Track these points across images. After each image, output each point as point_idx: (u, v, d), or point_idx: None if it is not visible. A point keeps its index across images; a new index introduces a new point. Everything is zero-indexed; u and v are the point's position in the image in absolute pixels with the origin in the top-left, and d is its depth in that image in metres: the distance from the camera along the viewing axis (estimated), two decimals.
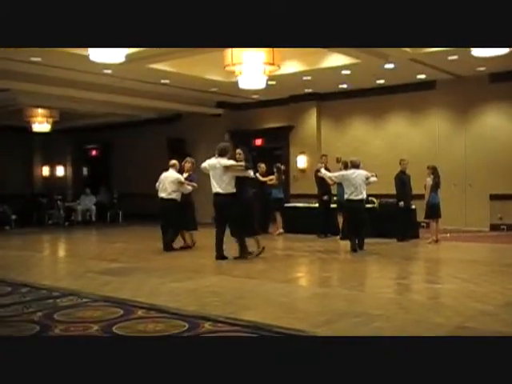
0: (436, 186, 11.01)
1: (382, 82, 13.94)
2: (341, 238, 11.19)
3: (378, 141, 14.96)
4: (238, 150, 9.27)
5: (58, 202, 17.70)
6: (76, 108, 15.92)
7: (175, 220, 10.28)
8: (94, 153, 21.81)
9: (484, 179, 13.28)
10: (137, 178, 19.43)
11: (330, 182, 11.38)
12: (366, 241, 10.42)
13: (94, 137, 20.99)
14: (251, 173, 9.27)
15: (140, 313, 5.17)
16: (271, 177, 12.91)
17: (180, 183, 10.38)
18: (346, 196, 10.10)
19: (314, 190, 12.53)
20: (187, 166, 10.82)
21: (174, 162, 10.74)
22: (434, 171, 11.04)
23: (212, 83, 13.89)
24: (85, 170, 21.99)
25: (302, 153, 15.95)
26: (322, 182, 11.83)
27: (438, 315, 5.04)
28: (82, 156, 21.73)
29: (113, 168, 20.92)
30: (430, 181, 10.98)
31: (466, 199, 13.57)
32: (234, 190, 8.88)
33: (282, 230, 12.79)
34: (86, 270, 7.95)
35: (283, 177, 13.50)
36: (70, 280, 7.19)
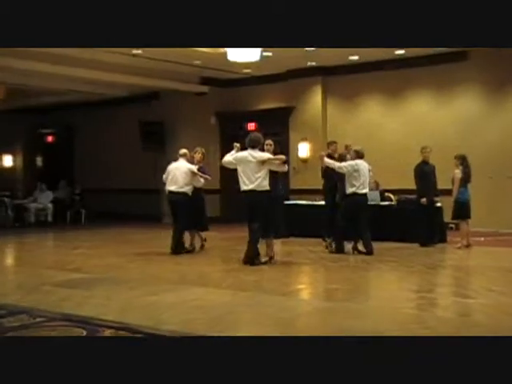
0: (466, 179, 11.02)
1: (401, 52, 13.93)
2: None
3: (396, 124, 14.98)
4: (269, 141, 9.65)
5: (6, 200, 17.61)
6: (26, 83, 15.80)
7: (186, 217, 10.55)
8: (50, 139, 21.75)
9: None
10: (104, 170, 19.41)
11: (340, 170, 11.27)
12: (383, 246, 10.45)
13: (50, 119, 20.93)
14: (286, 168, 9.84)
15: (108, 333, 5.15)
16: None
17: (193, 174, 10.67)
18: (351, 189, 10.35)
19: (319, 185, 12.52)
20: (198, 156, 11.10)
21: (184, 150, 11.06)
22: (463, 161, 11.07)
23: (195, 54, 13.82)
24: (39, 160, 21.93)
25: (304, 139, 15.95)
26: (330, 175, 11.82)
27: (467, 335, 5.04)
28: (35, 143, 21.65)
29: (74, 158, 20.89)
30: (458, 173, 11.00)
31: (504, 195, 13.59)
32: (269, 187, 9.20)
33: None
34: (40, 281, 7.91)
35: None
36: (20, 294, 7.14)
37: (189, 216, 10.56)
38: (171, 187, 10.68)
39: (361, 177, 10.34)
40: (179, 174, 10.66)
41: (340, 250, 10.52)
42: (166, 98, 17.57)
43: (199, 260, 10.13)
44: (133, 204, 18.72)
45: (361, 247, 10.45)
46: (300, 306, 6.63)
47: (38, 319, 5.77)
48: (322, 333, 5.21)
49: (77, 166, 20.70)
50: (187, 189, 10.67)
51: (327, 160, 10.78)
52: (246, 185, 9.15)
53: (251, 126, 17.16)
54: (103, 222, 17.48)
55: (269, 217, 9.30)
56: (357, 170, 10.32)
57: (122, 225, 16.72)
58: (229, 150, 15.76)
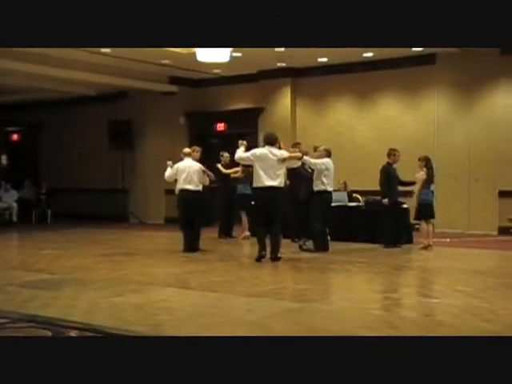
0: (429, 180, 11.13)
1: (369, 54, 14.05)
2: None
3: (365, 126, 15.09)
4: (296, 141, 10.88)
5: None
6: None
7: (202, 215, 10.93)
8: (16, 137, 21.47)
9: (492, 173, 13.50)
10: (70, 170, 19.22)
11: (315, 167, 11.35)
12: (351, 247, 10.55)
13: (16, 117, 20.61)
14: (300, 163, 10.69)
15: (73, 334, 5.10)
16: (236, 168, 12.88)
17: (203, 173, 10.94)
18: (322, 187, 10.58)
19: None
20: (197, 155, 11.21)
21: (189, 150, 11.27)
22: (426, 163, 11.18)
23: (164, 54, 13.75)
24: (4, 159, 21.58)
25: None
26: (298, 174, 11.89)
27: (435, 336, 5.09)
28: (0, 141, 21.32)
29: (40, 157, 20.62)
30: (422, 174, 11.09)
31: (469, 197, 13.78)
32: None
33: (248, 233, 12.79)
34: (4, 282, 7.80)
35: (250, 169, 13.47)
36: None
37: (203, 214, 11.04)
38: (187, 186, 10.74)
39: (330, 175, 10.65)
40: (193, 172, 10.81)
41: (325, 247, 10.60)
42: (135, 97, 17.49)
43: (167, 261, 10.08)
44: (100, 204, 18.58)
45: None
46: (269, 307, 6.63)
47: (2, 320, 5.68)
48: (291, 333, 5.22)
49: (43, 165, 20.45)
50: (201, 187, 10.90)
51: (305, 157, 10.84)
52: (265, 180, 9.44)
53: (220, 126, 17.16)
54: (69, 222, 17.31)
55: (285, 214, 9.89)
56: (328, 169, 10.59)
57: (89, 225, 16.56)
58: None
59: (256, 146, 15.99)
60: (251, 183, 13.30)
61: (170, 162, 11.07)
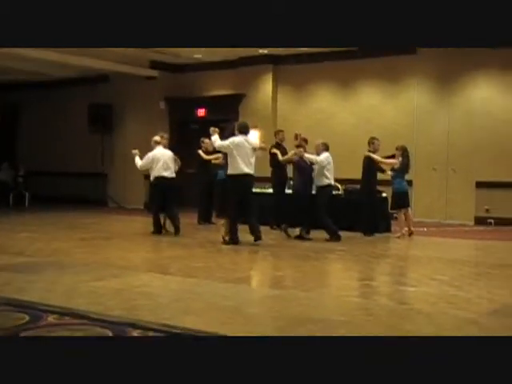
0: (404, 169, 11.21)
1: None
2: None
3: (346, 114, 15.15)
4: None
5: None
6: None
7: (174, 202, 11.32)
8: None
9: (470, 163, 13.64)
10: (49, 153, 19.08)
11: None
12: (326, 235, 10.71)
13: None
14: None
15: (51, 319, 5.08)
16: (217, 155, 12.84)
17: (175, 160, 11.33)
18: (327, 181, 10.83)
19: (268, 172, 12.57)
20: (166, 142, 11.53)
21: (159, 138, 11.48)
22: (403, 152, 11.26)
23: None
24: None
25: (255, 127, 15.85)
26: (278, 163, 11.92)
27: (411, 323, 5.16)
28: None
29: (18, 139, 20.42)
30: (396, 163, 11.17)
31: (447, 187, 13.91)
32: None
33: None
34: None
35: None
36: None
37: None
38: (164, 173, 11.04)
39: (331, 169, 10.90)
40: (168, 159, 11.15)
41: (338, 237, 10.67)
42: (116, 81, 17.37)
43: (147, 246, 10.08)
44: (79, 188, 18.48)
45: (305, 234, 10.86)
46: (248, 293, 6.66)
47: None
48: (269, 320, 5.26)
49: (21, 147, 20.27)
50: (174, 174, 11.26)
51: (307, 155, 10.90)
52: (244, 168, 9.78)
53: (201, 112, 17.11)
54: (48, 205, 17.19)
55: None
56: (330, 163, 10.84)
57: (68, 209, 16.46)
58: (179, 135, 15.77)
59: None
60: None
61: (136, 151, 11.39)
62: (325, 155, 10.84)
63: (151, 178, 11.25)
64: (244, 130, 10.02)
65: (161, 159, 11.06)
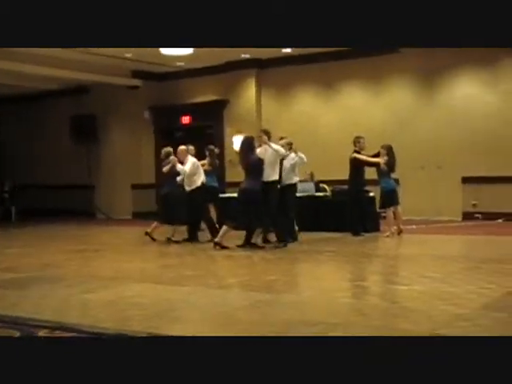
0: (390, 168, 11.23)
1: None
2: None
3: (330, 116, 15.18)
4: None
5: None
6: None
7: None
8: None
9: (456, 160, 13.72)
10: (34, 166, 18.99)
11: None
12: (319, 236, 10.64)
13: None
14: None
15: (42, 334, 5.05)
16: (202, 161, 12.83)
17: None
18: (296, 179, 10.88)
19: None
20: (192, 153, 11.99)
21: (192, 147, 12.01)
22: (388, 151, 11.28)
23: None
24: None
25: (239, 132, 15.94)
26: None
27: (405, 321, 5.16)
28: None
29: (2, 153, 20.27)
30: (383, 163, 11.17)
31: (434, 184, 13.96)
32: None
33: (215, 225, 12.75)
34: None
35: (217, 161, 13.46)
36: None
37: None
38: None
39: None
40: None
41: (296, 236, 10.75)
42: (98, 91, 17.31)
43: (137, 256, 10.04)
44: (65, 200, 18.38)
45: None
46: (240, 298, 6.64)
47: None
48: (263, 325, 5.24)
49: (5, 162, 20.11)
50: None
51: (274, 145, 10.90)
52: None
53: (186, 119, 17.09)
54: (35, 218, 17.09)
55: None
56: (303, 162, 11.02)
57: (56, 221, 16.38)
58: (164, 143, 15.79)
59: (220, 138, 16.11)
60: (218, 176, 13.33)
61: (175, 158, 11.34)
62: (301, 155, 10.87)
63: (193, 186, 11.15)
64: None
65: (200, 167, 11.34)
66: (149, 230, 11.29)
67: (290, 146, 10.93)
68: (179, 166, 11.08)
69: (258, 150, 10.18)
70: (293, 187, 10.89)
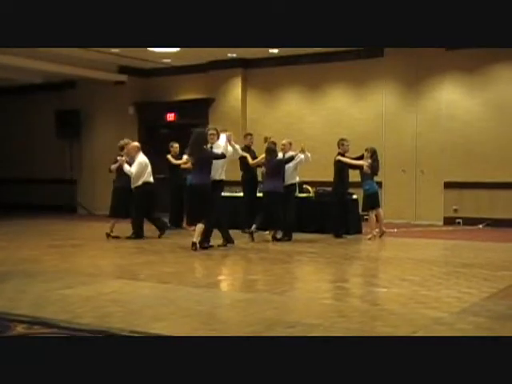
0: (374, 172, 11.29)
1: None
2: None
3: (315, 117, 15.19)
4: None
5: None
6: None
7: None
8: None
9: (438, 164, 13.78)
10: (16, 160, 18.82)
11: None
12: (301, 237, 10.69)
13: None
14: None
15: (20, 329, 5.00)
16: (185, 159, 12.78)
17: None
18: (297, 179, 11.40)
19: (238, 176, 12.56)
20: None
21: (138, 144, 11.81)
22: (372, 154, 11.32)
23: None
24: None
25: (224, 131, 15.86)
26: (248, 167, 11.96)
27: (384, 324, 5.18)
28: None
29: None
30: (367, 166, 11.21)
31: (416, 188, 14.03)
32: None
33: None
34: None
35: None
36: None
37: None
38: (150, 179, 11.30)
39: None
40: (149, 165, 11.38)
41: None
42: (83, 86, 17.18)
43: (117, 252, 9.99)
44: (47, 195, 18.23)
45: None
46: (220, 297, 6.64)
47: None
48: (242, 324, 5.24)
49: None
50: None
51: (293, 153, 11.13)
52: None
53: (171, 116, 17.03)
54: (15, 213, 16.94)
55: None
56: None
57: (36, 216, 16.24)
58: (148, 140, 15.71)
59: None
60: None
61: (123, 158, 11.21)
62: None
63: (135, 184, 11.15)
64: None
65: (148, 165, 11.24)
66: (108, 231, 11.35)
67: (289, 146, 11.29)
68: (126, 167, 11.04)
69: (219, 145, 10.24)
70: (294, 187, 11.38)
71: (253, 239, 10.74)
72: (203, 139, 9.92)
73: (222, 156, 9.83)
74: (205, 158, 9.79)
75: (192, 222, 10.24)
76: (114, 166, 11.48)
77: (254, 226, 10.82)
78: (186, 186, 12.52)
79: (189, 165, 12.62)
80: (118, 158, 11.35)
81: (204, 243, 9.75)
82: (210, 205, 9.69)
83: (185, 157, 11.45)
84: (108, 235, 11.26)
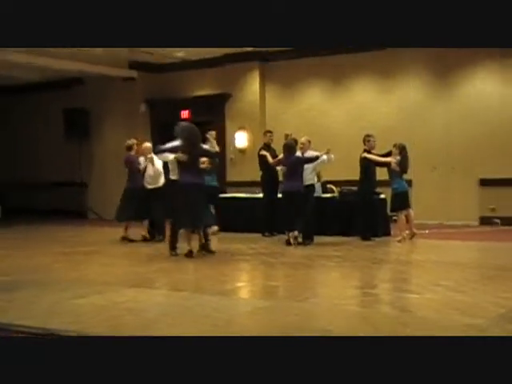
0: (402, 169, 11.20)
1: None
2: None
3: (338, 112, 15.17)
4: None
5: None
6: None
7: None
8: None
9: (472, 160, 13.68)
10: (22, 162, 19.00)
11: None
12: (325, 240, 10.66)
13: None
14: None
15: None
16: (202, 159, 12.81)
17: None
18: (311, 181, 11.24)
19: (258, 176, 12.59)
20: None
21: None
22: (401, 151, 11.25)
23: None
24: None
25: (242, 128, 15.99)
26: (268, 166, 11.96)
27: (415, 332, 5.16)
28: None
29: None
30: (393, 162, 11.14)
31: (448, 186, 13.95)
32: None
33: (216, 228, 12.76)
34: None
35: (217, 159, 13.45)
36: None
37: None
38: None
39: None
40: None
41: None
42: (92, 83, 17.31)
43: (130, 259, 10.05)
44: (56, 199, 18.38)
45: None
46: (239, 305, 6.66)
47: None
48: (262, 332, 5.26)
49: None
50: None
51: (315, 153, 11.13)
52: None
53: (185, 113, 17.08)
54: (24, 218, 17.10)
55: None
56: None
57: (45, 221, 16.40)
58: (161, 139, 15.81)
59: (221, 134, 16.12)
60: (218, 175, 13.31)
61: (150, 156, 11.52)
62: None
63: (155, 185, 11.48)
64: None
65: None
66: (123, 234, 11.62)
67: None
68: (158, 164, 11.29)
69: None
70: (312, 187, 11.38)
71: (291, 243, 10.72)
72: (197, 135, 9.94)
73: (216, 154, 10.36)
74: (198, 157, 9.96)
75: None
76: (143, 165, 11.63)
77: (295, 232, 10.76)
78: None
79: (206, 165, 12.64)
80: (141, 158, 11.52)
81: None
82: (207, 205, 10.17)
83: (171, 156, 10.96)
84: (124, 238, 11.39)
